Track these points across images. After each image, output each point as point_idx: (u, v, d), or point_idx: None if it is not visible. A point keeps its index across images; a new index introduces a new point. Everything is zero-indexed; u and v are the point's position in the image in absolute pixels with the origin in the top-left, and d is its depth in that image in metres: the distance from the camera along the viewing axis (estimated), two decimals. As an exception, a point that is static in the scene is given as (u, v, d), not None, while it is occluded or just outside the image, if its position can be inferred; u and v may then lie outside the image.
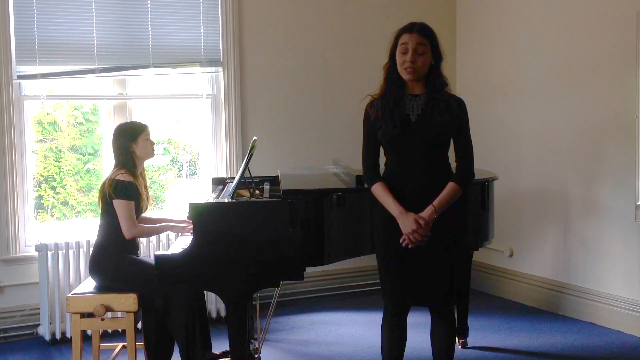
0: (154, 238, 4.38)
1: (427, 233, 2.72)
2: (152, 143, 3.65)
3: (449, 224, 2.80)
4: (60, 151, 4.76)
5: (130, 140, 3.56)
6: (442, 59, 2.80)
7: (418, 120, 2.77)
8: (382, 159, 2.94)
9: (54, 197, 4.70)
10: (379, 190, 2.83)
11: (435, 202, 2.74)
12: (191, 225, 3.08)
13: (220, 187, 4.00)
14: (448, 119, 2.75)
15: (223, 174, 4.75)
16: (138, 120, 3.77)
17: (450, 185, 2.77)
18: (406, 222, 2.72)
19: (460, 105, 2.81)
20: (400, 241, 2.75)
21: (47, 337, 4.18)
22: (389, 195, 2.79)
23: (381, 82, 2.86)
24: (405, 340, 2.93)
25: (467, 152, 2.84)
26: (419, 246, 2.74)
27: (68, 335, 4.14)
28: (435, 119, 2.75)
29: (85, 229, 4.45)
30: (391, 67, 2.81)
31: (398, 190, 2.79)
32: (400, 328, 2.90)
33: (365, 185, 2.96)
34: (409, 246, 2.73)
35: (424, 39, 2.73)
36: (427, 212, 2.72)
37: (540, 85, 4.80)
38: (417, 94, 2.81)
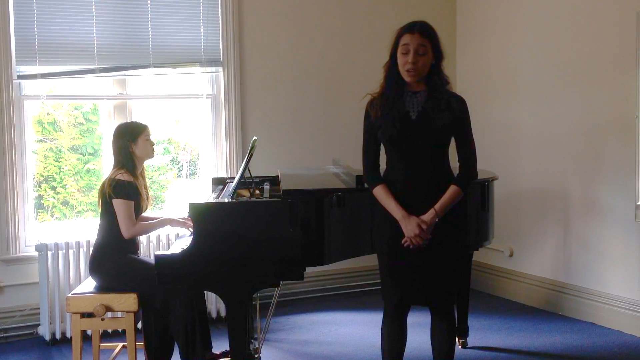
0: (154, 238, 4.38)
1: (429, 236, 2.73)
2: (152, 143, 3.65)
3: (449, 224, 2.80)
4: (60, 151, 4.76)
5: (130, 141, 3.55)
6: (443, 58, 2.80)
7: (418, 118, 2.77)
8: (384, 159, 2.94)
9: (54, 197, 4.70)
10: (380, 193, 2.83)
11: (437, 205, 2.74)
12: (191, 222, 3.08)
13: (220, 187, 4.00)
14: (448, 117, 2.75)
15: (223, 174, 4.75)
16: (138, 121, 3.77)
17: (452, 189, 2.77)
18: (409, 227, 2.72)
19: (460, 104, 2.80)
20: (402, 242, 2.75)
21: (47, 337, 4.18)
22: (391, 198, 2.79)
23: (381, 80, 2.85)
24: (406, 340, 2.93)
25: (469, 151, 2.83)
26: (420, 246, 2.75)
27: (68, 335, 4.15)
28: (435, 117, 2.74)
29: (85, 229, 4.45)
30: (391, 67, 2.80)
31: (398, 189, 2.80)
32: (401, 328, 2.90)
33: (366, 185, 2.96)
34: (411, 247, 2.74)
35: (424, 39, 2.72)
36: (428, 216, 2.73)
37: (540, 85, 4.80)
38: (417, 90, 2.80)
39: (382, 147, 2.90)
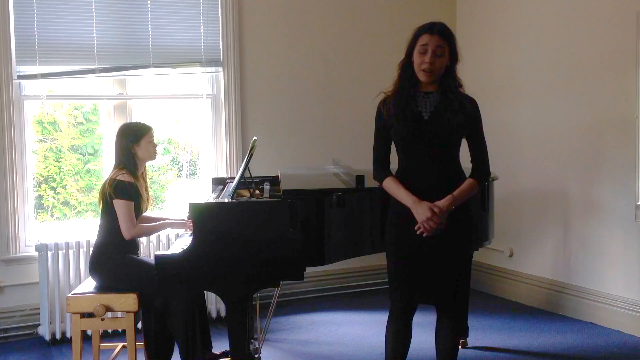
0: (154, 238, 4.38)
1: (443, 221, 2.69)
2: (155, 145, 3.64)
3: (459, 224, 2.80)
4: (60, 151, 4.76)
5: (133, 142, 3.55)
6: (458, 60, 2.81)
7: (430, 118, 2.77)
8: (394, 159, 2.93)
9: (54, 197, 4.70)
10: (390, 184, 2.82)
11: (456, 192, 2.73)
12: (191, 223, 3.08)
13: (220, 187, 4.01)
14: (462, 119, 2.75)
15: (223, 174, 4.75)
16: (143, 122, 3.74)
17: (469, 181, 2.79)
18: (420, 211, 2.70)
19: (473, 105, 2.81)
20: (415, 228, 2.72)
21: (47, 337, 4.18)
22: (401, 187, 2.78)
23: (395, 79, 2.85)
24: (410, 341, 2.92)
25: (482, 151, 2.85)
26: (431, 244, 2.74)
27: (68, 335, 4.15)
28: (449, 118, 2.74)
29: (85, 229, 4.45)
30: (406, 65, 2.80)
31: (409, 189, 2.78)
32: (406, 329, 2.90)
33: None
34: (424, 234, 2.71)
35: (443, 41, 2.73)
36: (445, 202, 2.70)
37: (540, 86, 4.80)
38: (430, 91, 2.80)
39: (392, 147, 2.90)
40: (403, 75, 2.81)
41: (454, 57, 2.79)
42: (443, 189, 2.76)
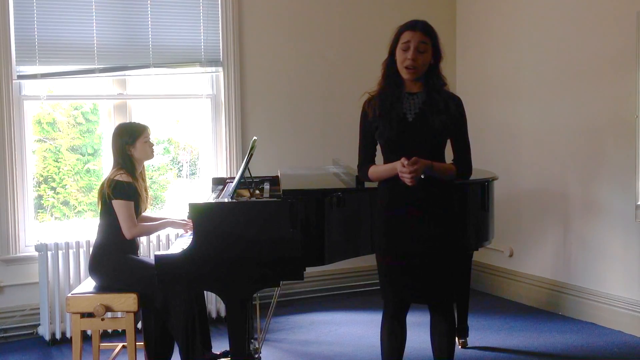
0: (154, 238, 4.38)
1: (413, 168, 2.62)
2: (151, 145, 3.63)
3: (448, 222, 2.80)
4: (59, 151, 4.75)
5: (128, 143, 3.54)
6: (442, 58, 2.79)
7: (415, 120, 2.76)
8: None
9: (53, 197, 4.70)
10: (373, 170, 2.84)
11: (436, 163, 2.72)
12: (192, 223, 3.08)
13: (220, 187, 4.01)
14: (446, 120, 2.74)
15: (223, 174, 4.76)
16: (138, 122, 3.74)
17: (449, 164, 2.80)
18: (398, 169, 2.69)
19: (457, 104, 2.80)
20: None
21: (47, 337, 4.18)
22: (382, 165, 2.79)
23: (379, 78, 2.85)
24: (405, 339, 2.93)
25: (465, 152, 2.85)
26: (422, 244, 2.74)
27: (68, 335, 4.15)
28: (433, 119, 2.73)
29: (85, 229, 4.44)
30: (390, 64, 2.80)
31: (395, 191, 2.78)
32: (400, 329, 2.90)
33: (366, 186, 2.95)
34: (409, 183, 2.66)
35: (426, 37, 2.72)
36: (421, 160, 2.66)
37: (540, 85, 4.80)
38: (415, 92, 2.80)
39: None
40: (387, 75, 2.81)
41: (437, 55, 2.77)
42: (428, 192, 2.74)
